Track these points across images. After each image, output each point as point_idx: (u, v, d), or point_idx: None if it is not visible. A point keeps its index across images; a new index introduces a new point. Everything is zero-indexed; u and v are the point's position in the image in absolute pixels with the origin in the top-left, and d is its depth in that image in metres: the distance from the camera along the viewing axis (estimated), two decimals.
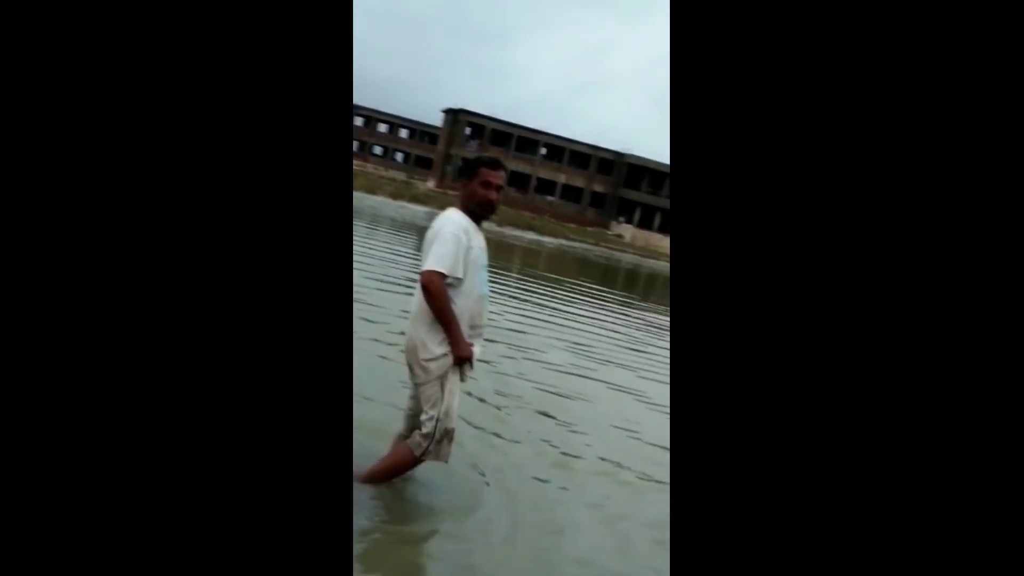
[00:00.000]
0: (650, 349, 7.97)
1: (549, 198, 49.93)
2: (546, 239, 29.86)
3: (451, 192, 35.11)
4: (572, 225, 43.65)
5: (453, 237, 2.64)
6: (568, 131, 54.14)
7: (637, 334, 9.15)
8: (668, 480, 1.62)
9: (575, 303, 10.97)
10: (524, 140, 50.41)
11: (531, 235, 29.20)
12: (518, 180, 48.24)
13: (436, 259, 2.61)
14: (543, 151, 51.73)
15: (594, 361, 6.46)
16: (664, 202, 50.15)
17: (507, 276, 11.88)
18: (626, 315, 11.14)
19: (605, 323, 9.47)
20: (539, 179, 50.37)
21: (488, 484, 3.09)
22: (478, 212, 2.75)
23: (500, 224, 28.27)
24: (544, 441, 3.82)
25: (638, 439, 4.28)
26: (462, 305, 2.69)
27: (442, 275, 2.61)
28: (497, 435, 3.70)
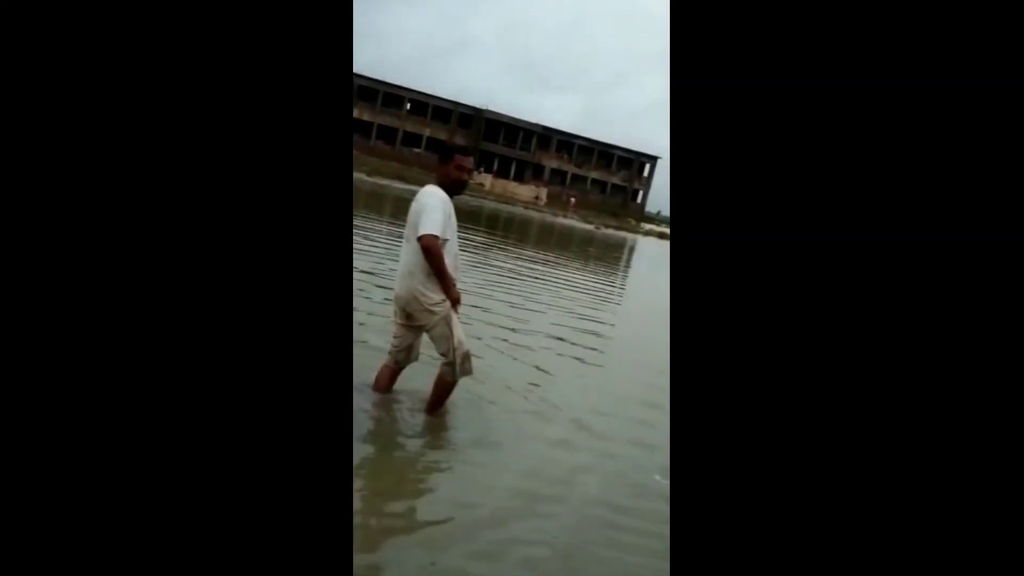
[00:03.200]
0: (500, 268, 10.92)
1: (416, 150, 51.99)
2: (415, 188, 24.49)
3: None
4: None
5: (440, 207, 3.17)
6: (432, 89, 56.76)
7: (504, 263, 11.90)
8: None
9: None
10: (390, 96, 52.74)
11: (400, 184, 29.61)
12: (386, 134, 51.50)
13: (432, 225, 3.11)
14: (408, 106, 54.06)
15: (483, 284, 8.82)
16: (518, 153, 54.50)
17: (381, 223, 13.21)
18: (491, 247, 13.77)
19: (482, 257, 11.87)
20: (406, 132, 52.88)
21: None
22: (452, 189, 3.30)
23: (370, 175, 30.03)
24: (501, 340, 5.69)
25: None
26: (447, 261, 3.20)
27: (437, 237, 3.12)
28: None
